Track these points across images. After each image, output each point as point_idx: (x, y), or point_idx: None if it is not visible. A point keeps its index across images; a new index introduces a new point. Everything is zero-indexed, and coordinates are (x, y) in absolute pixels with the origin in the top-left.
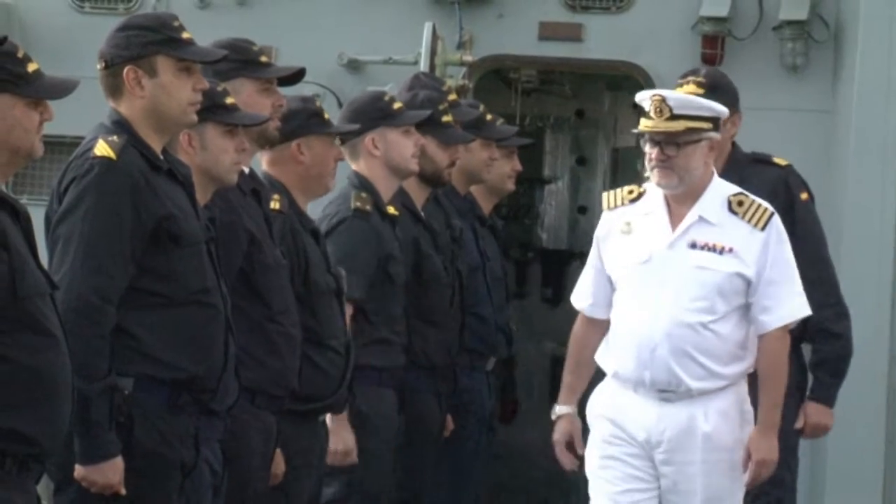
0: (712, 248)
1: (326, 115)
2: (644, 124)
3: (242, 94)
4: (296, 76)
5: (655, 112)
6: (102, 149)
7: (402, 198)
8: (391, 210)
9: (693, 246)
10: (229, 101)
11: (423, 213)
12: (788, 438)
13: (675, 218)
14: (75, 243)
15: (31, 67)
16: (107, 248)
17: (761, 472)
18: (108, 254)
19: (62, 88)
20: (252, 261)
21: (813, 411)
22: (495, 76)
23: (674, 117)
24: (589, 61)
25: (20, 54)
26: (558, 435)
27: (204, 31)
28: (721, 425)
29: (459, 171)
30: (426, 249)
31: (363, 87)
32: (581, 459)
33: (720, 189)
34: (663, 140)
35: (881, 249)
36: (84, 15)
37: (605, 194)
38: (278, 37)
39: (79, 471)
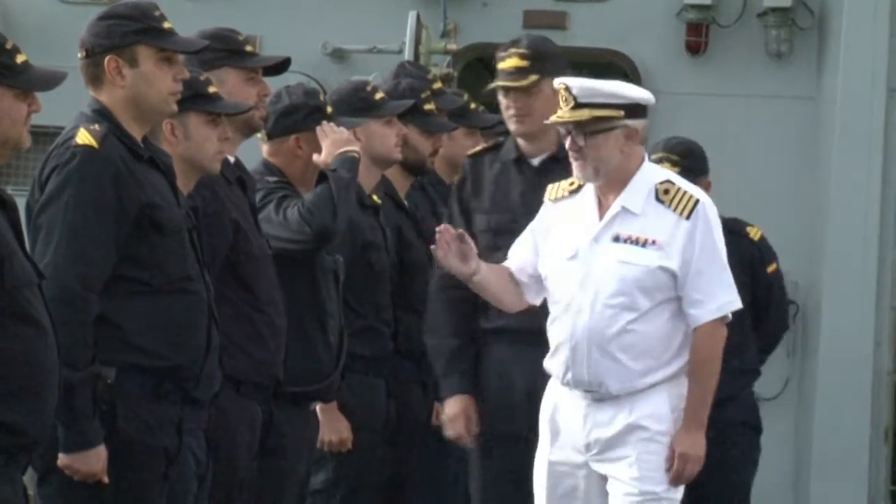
0: (635, 241)
1: (330, 110)
2: (556, 114)
3: (227, 84)
4: (281, 66)
5: (562, 100)
6: (84, 137)
7: (384, 186)
8: (374, 199)
9: (616, 239)
10: (212, 90)
11: (405, 202)
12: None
13: (602, 210)
14: (57, 232)
15: (20, 59)
16: (89, 237)
17: (685, 468)
18: (91, 242)
19: (51, 80)
20: (237, 250)
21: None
22: (480, 65)
23: (578, 106)
24: (573, 49)
25: (8, 45)
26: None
27: (189, 21)
28: (646, 418)
29: (444, 159)
30: (409, 237)
31: (348, 76)
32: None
33: (648, 176)
34: (572, 130)
35: (865, 235)
36: (68, 5)
37: (549, 186)
38: (263, 26)
39: (62, 459)
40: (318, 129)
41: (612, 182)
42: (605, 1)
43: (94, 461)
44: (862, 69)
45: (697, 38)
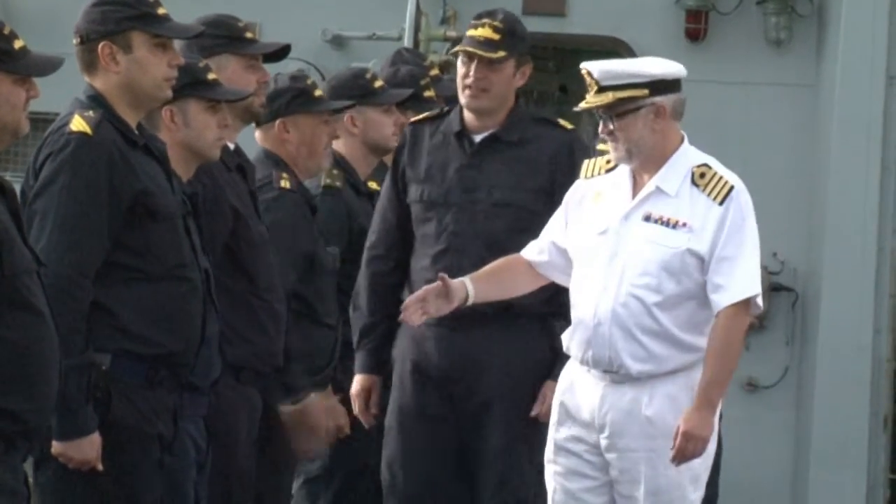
0: (665, 223)
1: (318, 93)
2: (585, 101)
3: (227, 71)
4: (280, 52)
5: (588, 86)
6: (78, 124)
7: (381, 173)
8: (372, 185)
9: (647, 219)
10: (211, 76)
11: None
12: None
13: (636, 188)
14: (52, 218)
15: (18, 44)
16: (83, 224)
17: (687, 446)
18: (85, 229)
19: (48, 65)
20: (237, 237)
21: (552, 390)
22: None
23: (601, 90)
24: (573, 36)
25: (6, 31)
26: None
27: (189, 7)
28: (666, 410)
29: None
30: None
31: (347, 62)
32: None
33: (686, 158)
34: (602, 114)
35: (864, 222)
36: None
37: (585, 162)
38: (262, 13)
39: (56, 447)
40: (324, 396)
41: (649, 161)
42: None
43: (87, 449)
44: (861, 56)
45: (697, 25)
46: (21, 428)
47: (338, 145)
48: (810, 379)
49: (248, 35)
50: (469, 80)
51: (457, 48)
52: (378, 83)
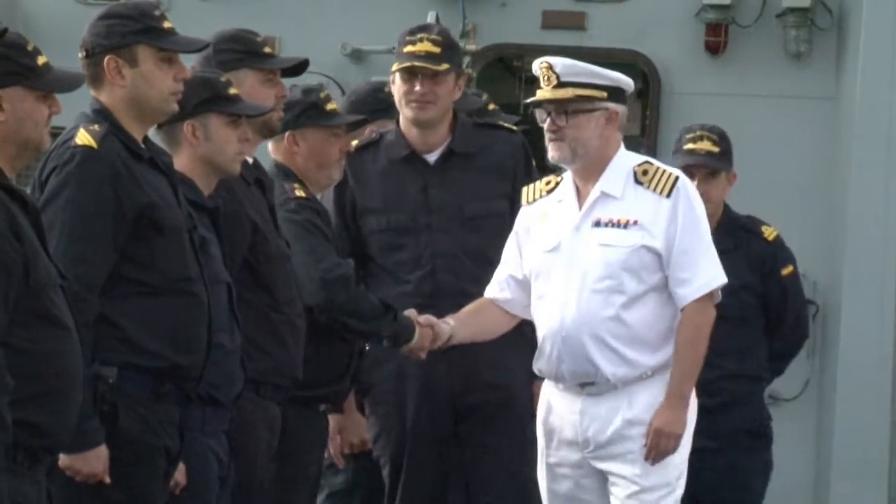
0: (616, 224)
1: (330, 107)
2: (537, 94)
3: (245, 85)
4: (299, 67)
5: (544, 80)
6: (84, 138)
7: None
8: None
9: (597, 224)
10: (232, 91)
11: None
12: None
13: (582, 199)
14: (57, 232)
15: (41, 60)
16: (89, 237)
17: (659, 443)
18: (91, 243)
19: (72, 82)
20: (256, 251)
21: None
22: (499, 65)
23: (561, 84)
24: (592, 49)
25: (30, 47)
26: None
27: (207, 22)
28: (646, 412)
29: None
30: None
31: (367, 76)
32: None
33: (625, 161)
34: (553, 110)
35: (885, 234)
36: (88, 6)
37: (523, 189)
38: (282, 27)
39: (63, 460)
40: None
41: (590, 168)
42: (623, 1)
43: (95, 461)
44: (881, 69)
45: (717, 39)
46: (45, 442)
47: None
48: (831, 391)
49: (267, 50)
50: (414, 95)
51: (398, 66)
52: None
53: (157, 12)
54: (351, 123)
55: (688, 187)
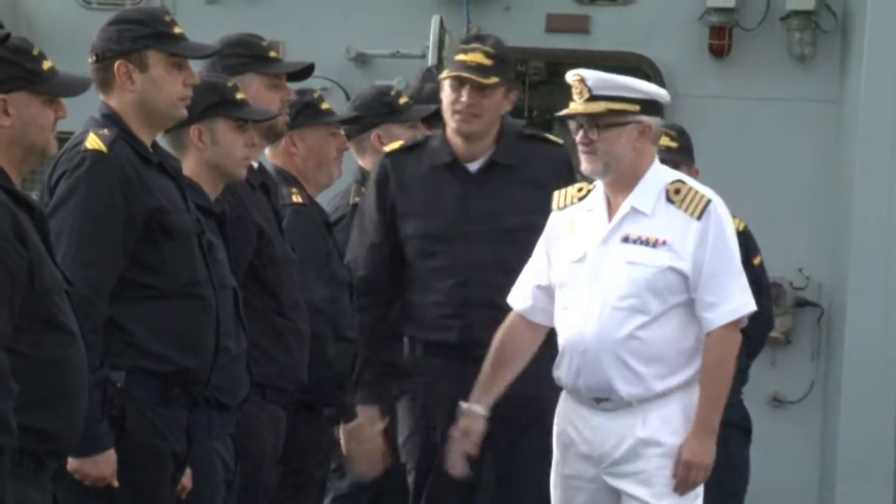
0: (645, 242)
1: (325, 106)
2: (569, 107)
3: (250, 90)
4: (304, 72)
5: (576, 93)
6: (93, 142)
7: None
8: None
9: (626, 240)
10: (239, 96)
11: None
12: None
13: (612, 211)
14: (66, 236)
15: (46, 65)
16: (98, 241)
17: (689, 475)
18: (100, 247)
19: (77, 86)
20: (261, 255)
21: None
22: None
23: (593, 98)
24: (596, 53)
25: (35, 52)
26: (456, 432)
27: (212, 26)
28: (661, 431)
29: None
30: None
31: (371, 80)
32: (473, 460)
33: (658, 176)
34: (585, 123)
35: (889, 237)
36: (91, 11)
37: (555, 193)
38: (286, 31)
39: (72, 463)
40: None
41: (622, 182)
42: (627, 4)
43: (103, 465)
44: (885, 72)
45: (720, 42)
46: (51, 446)
47: (366, 163)
48: (836, 394)
49: (272, 54)
50: (460, 106)
51: (447, 74)
52: (402, 100)
53: (167, 18)
54: (353, 126)
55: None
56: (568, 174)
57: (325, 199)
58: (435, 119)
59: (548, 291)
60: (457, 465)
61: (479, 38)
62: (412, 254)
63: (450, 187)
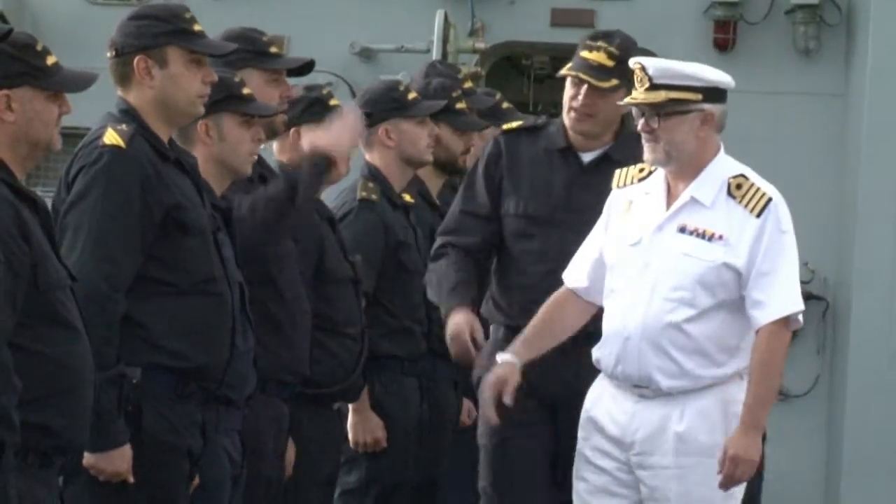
0: (701, 234)
1: (333, 102)
2: (632, 95)
3: (250, 84)
4: (305, 68)
5: (637, 81)
6: (112, 137)
7: (417, 185)
8: (406, 198)
9: (682, 230)
10: (246, 91)
11: (438, 201)
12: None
13: (671, 198)
14: (85, 232)
15: (50, 60)
16: (116, 237)
17: (735, 472)
18: (118, 242)
19: (81, 81)
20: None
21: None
22: (508, 63)
23: (654, 87)
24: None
25: (39, 47)
26: (492, 378)
27: (217, 21)
28: (698, 426)
29: (474, 158)
30: None
31: (376, 75)
32: (509, 411)
33: (722, 168)
34: (646, 112)
35: (895, 231)
36: (96, 6)
37: (617, 171)
38: (290, 26)
39: (87, 459)
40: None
41: (684, 170)
42: None
43: (119, 461)
44: (890, 65)
45: (725, 36)
46: (56, 443)
47: (373, 158)
48: (841, 388)
49: (273, 49)
50: (576, 104)
51: (567, 70)
52: (412, 95)
53: (187, 14)
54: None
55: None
56: None
57: (333, 194)
58: (443, 113)
59: (603, 269)
60: (491, 415)
61: (606, 36)
62: (509, 233)
63: (559, 173)
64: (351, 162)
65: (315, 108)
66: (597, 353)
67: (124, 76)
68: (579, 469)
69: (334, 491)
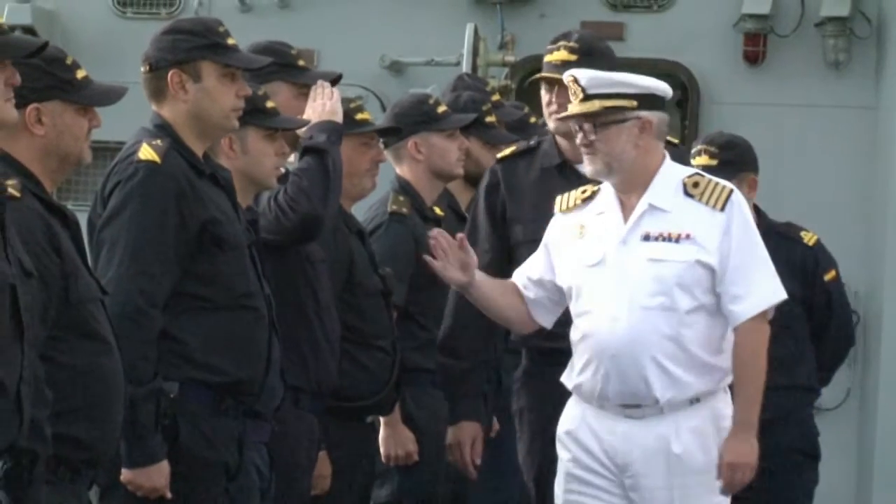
0: (667, 238)
1: (360, 116)
2: (568, 109)
3: (279, 97)
4: (333, 81)
5: (572, 94)
6: (147, 153)
7: (446, 199)
8: (437, 211)
9: (646, 238)
10: (270, 105)
11: (467, 214)
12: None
13: (626, 212)
14: (121, 247)
15: (80, 74)
16: (152, 252)
17: (734, 476)
18: (154, 258)
19: (111, 95)
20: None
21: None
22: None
23: (587, 97)
24: (631, 60)
25: (69, 61)
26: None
27: (246, 34)
28: (694, 445)
29: None
30: None
31: (405, 88)
32: None
33: (673, 172)
34: (583, 123)
35: None
36: (126, 20)
37: (558, 197)
38: (320, 39)
39: (125, 474)
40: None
41: (633, 181)
42: (662, 11)
43: (156, 476)
44: None
45: (755, 48)
46: (86, 455)
47: (403, 171)
48: (873, 401)
49: (301, 63)
50: (553, 107)
51: (535, 76)
52: (441, 108)
53: (221, 28)
54: (389, 135)
55: (741, 201)
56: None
57: (363, 208)
58: (473, 127)
59: (548, 291)
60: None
61: (564, 36)
62: (521, 262)
63: (559, 191)
64: (380, 176)
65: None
66: (577, 379)
67: (158, 91)
68: (563, 487)
69: None
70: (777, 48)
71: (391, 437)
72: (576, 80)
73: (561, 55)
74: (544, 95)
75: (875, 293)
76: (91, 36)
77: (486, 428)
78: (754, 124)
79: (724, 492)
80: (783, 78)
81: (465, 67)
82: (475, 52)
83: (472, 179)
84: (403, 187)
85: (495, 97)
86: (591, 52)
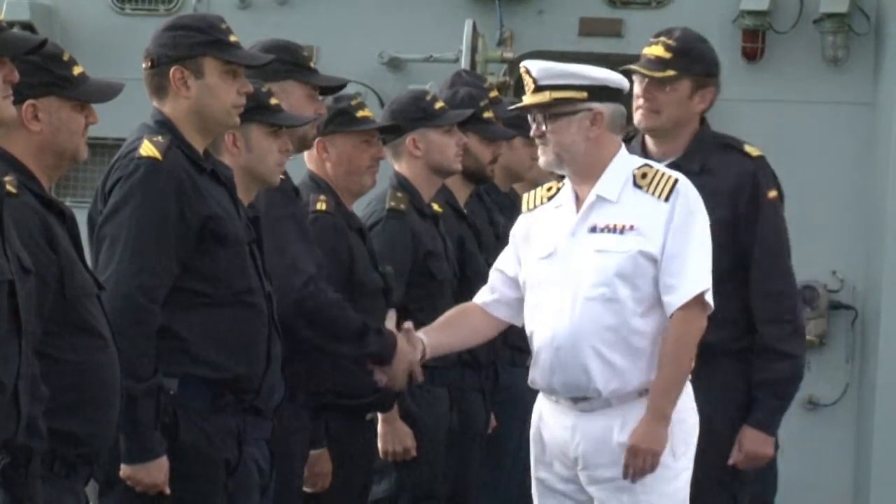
0: (612, 229)
1: (361, 113)
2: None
3: (292, 97)
4: (337, 89)
5: (526, 85)
6: (148, 149)
7: (445, 195)
8: (435, 207)
9: (594, 230)
10: (274, 102)
11: (466, 210)
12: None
13: (580, 204)
14: (122, 243)
15: (77, 70)
16: (153, 249)
17: (635, 462)
18: (154, 254)
19: (108, 91)
20: None
21: (750, 438)
22: None
23: (539, 89)
24: (630, 56)
25: (65, 57)
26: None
27: (245, 31)
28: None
29: (501, 168)
30: (470, 247)
31: (404, 85)
32: None
33: (624, 164)
34: (534, 114)
35: None
36: (125, 16)
37: (524, 196)
38: (319, 36)
39: (124, 470)
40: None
41: (586, 173)
42: (661, 8)
43: (155, 472)
44: None
45: (754, 45)
46: (82, 451)
47: (401, 168)
48: (871, 397)
49: (312, 64)
50: (640, 102)
51: (627, 67)
52: (439, 105)
53: (223, 25)
54: (389, 133)
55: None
56: (752, 187)
57: (362, 204)
58: (470, 123)
59: (513, 288)
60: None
61: (667, 31)
62: None
63: None
64: (379, 172)
65: (341, 119)
66: (531, 373)
67: (160, 87)
68: (537, 493)
69: (367, 501)
70: (775, 44)
71: (389, 433)
72: (528, 71)
73: (656, 50)
74: (635, 88)
75: (873, 289)
76: (89, 32)
77: (484, 424)
78: (753, 120)
79: (625, 476)
80: (782, 74)
81: (464, 64)
82: (474, 49)
83: (470, 175)
84: (401, 184)
85: (493, 93)
86: (688, 53)
